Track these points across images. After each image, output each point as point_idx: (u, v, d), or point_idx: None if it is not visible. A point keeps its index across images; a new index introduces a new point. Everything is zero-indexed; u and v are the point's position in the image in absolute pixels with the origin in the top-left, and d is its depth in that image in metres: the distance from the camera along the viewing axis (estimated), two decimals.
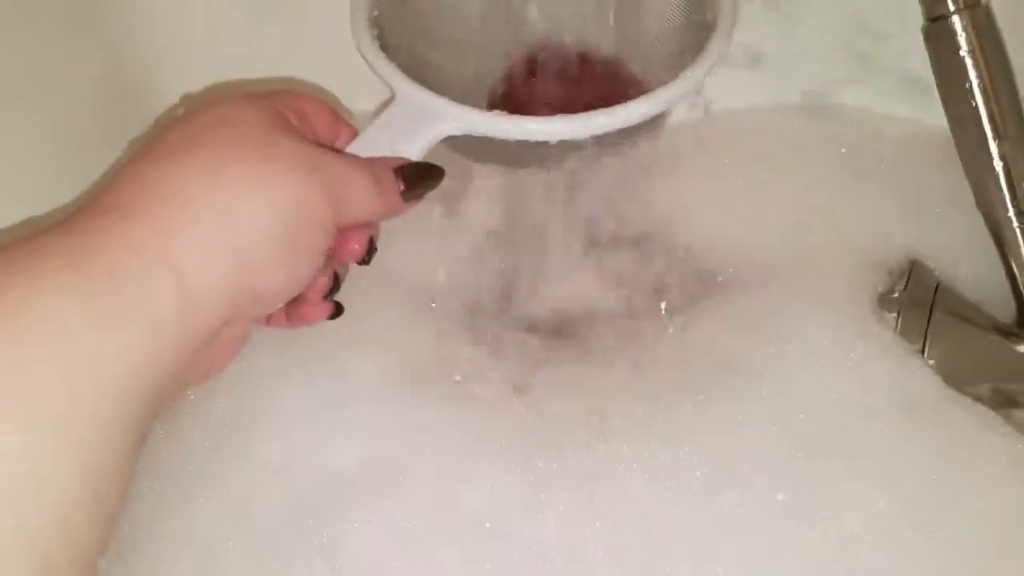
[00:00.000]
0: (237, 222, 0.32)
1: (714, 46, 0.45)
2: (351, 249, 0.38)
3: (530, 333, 0.56)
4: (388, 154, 0.40)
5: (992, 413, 0.50)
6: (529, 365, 0.54)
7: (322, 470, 0.49)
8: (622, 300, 0.58)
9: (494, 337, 0.55)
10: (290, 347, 0.52)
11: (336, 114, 0.41)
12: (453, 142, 0.43)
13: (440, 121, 0.41)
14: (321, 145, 0.37)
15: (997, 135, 0.48)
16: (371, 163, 0.38)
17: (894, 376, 0.51)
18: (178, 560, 0.46)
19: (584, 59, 0.53)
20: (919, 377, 0.51)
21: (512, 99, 0.53)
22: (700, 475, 0.48)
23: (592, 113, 0.42)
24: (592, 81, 0.53)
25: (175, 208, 0.31)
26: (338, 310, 0.40)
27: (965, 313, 0.54)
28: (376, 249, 0.39)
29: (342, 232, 0.36)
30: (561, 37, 0.53)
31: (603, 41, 0.53)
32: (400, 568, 0.46)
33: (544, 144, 0.42)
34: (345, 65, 0.50)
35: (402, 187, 0.38)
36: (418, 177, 0.39)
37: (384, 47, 0.44)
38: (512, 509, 0.48)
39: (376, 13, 0.46)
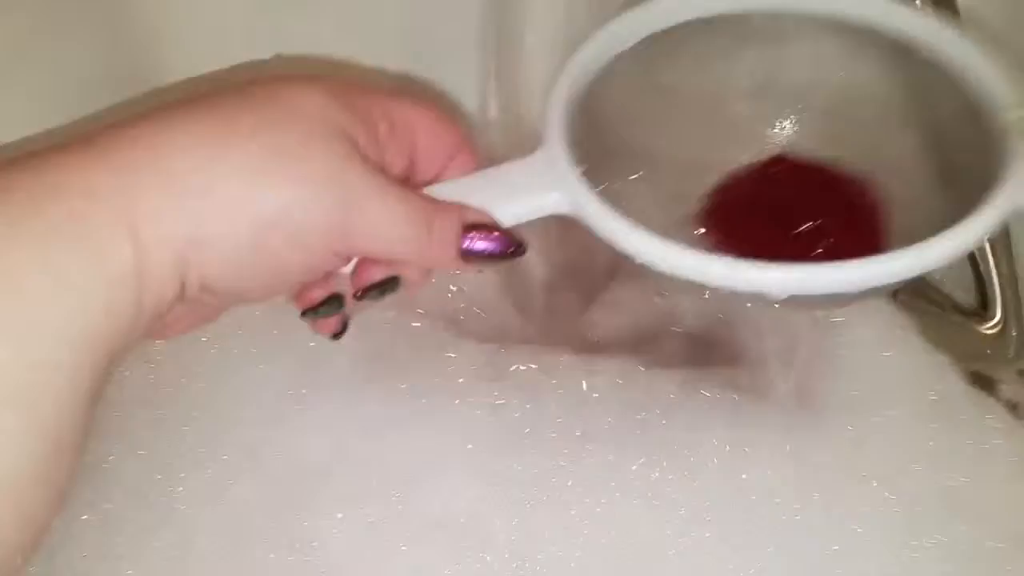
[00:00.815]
0: (206, 205, 0.29)
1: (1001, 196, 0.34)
2: (361, 277, 0.35)
3: (513, 326, 0.56)
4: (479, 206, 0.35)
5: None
6: (510, 358, 0.53)
7: (297, 458, 0.49)
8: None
9: (477, 328, 0.55)
10: (269, 333, 0.52)
11: (461, 137, 0.36)
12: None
13: (552, 194, 0.36)
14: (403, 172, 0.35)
15: None
16: (425, 202, 0.33)
17: None
18: (158, 541, 0.46)
19: (824, 180, 0.44)
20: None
21: (724, 222, 0.44)
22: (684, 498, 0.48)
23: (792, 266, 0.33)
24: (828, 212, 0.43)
25: (151, 165, 0.28)
26: (338, 332, 0.37)
27: (928, 294, 0.55)
28: (387, 285, 0.35)
29: (367, 261, 0.34)
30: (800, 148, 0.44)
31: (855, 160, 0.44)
32: (371, 559, 0.47)
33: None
34: (358, 47, 0.50)
35: (467, 246, 0.34)
36: (488, 240, 0.34)
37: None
38: (486, 505, 0.48)
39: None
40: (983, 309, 0.54)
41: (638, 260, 0.34)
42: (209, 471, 0.48)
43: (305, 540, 0.47)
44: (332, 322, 0.37)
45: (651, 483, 0.48)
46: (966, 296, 0.55)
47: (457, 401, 0.51)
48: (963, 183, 0.39)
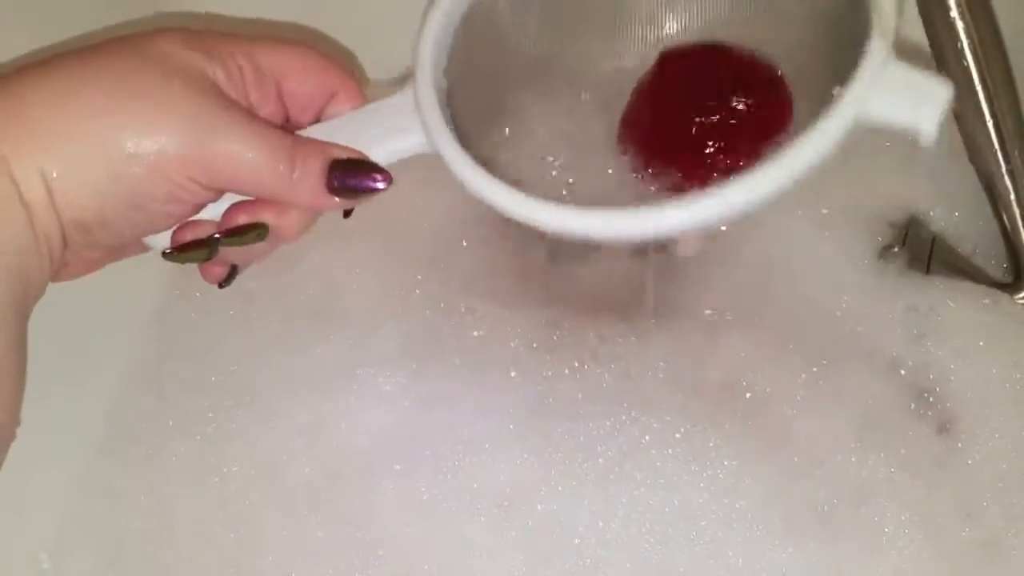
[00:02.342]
0: (62, 141, 0.30)
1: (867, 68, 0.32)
2: (225, 220, 0.35)
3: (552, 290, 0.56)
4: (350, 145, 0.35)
5: None
6: (562, 330, 0.54)
7: (346, 436, 0.51)
8: None
9: (514, 296, 0.55)
10: (314, 314, 0.54)
11: (339, 77, 0.36)
12: None
13: (414, 135, 0.36)
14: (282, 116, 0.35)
15: (988, 93, 0.49)
16: (286, 138, 0.34)
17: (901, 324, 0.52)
18: (216, 522, 0.50)
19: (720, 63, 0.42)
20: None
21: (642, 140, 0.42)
22: (727, 464, 0.49)
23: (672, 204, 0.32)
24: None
25: (11, 109, 0.30)
26: (222, 281, 0.38)
27: (961, 266, 0.55)
28: (251, 231, 0.35)
29: (234, 206, 0.35)
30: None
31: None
32: (422, 531, 0.49)
33: None
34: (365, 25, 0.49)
35: (333, 180, 0.34)
36: (355, 175, 0.35)
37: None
38: (532, 476, 0.50)
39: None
40: (1016, 280, 0.54)
41: (491, 206, 0.34)
42: (261, 453, 0.51)
43: (357, 515, 0.50)
44: (217, 271, 0.37)
45: (693, 451, 0.49)
46: (996, 268, 0.55)
47: (513, 374, 0.52)
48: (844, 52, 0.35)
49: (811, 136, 0.32)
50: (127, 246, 0.36)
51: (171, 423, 0.51)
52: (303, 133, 0.36)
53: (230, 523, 0.49)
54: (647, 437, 0.50)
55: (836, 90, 0.33)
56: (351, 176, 0.35)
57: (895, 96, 0.33)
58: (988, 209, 0.53)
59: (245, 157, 0.32)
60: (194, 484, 0.50)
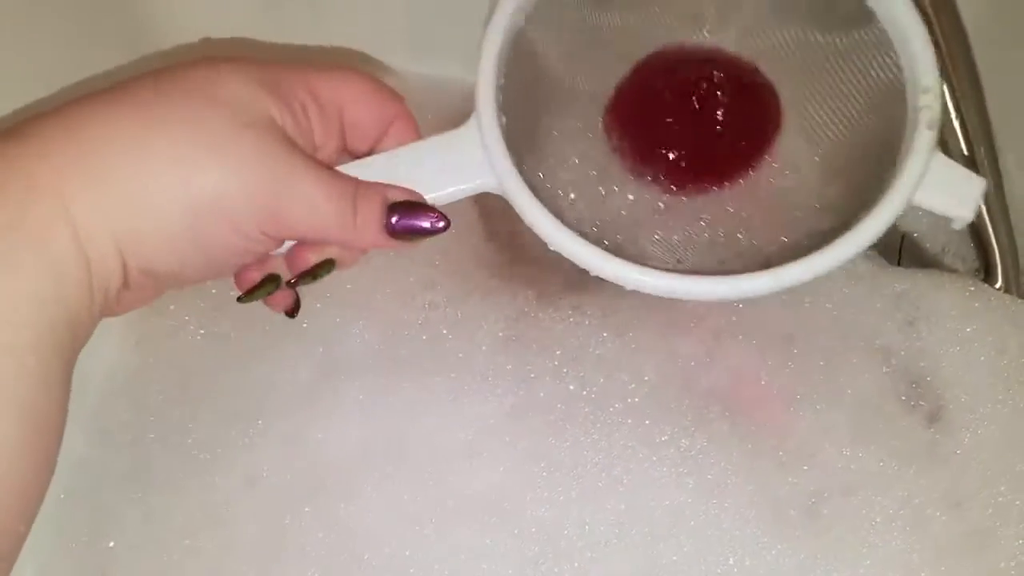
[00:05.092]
0: (139, 197, 0.30)
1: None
2: (296, 263, 0.36)
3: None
4: (403, 183, 0.36)
5: None
6: (544, 332, 0.53)
7: (329, 444, 0.51)
8: None
9: (484, 291, 0.55)
10: (296, 325, 0.53)
11: (397, 107, 0.37)
12: None
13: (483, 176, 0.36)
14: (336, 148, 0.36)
15: (952, 90, 0.50)
16: (349, 184, 0.34)
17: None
18: (200, 532, 0.49)
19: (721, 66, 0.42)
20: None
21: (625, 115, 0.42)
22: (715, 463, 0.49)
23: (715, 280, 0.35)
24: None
25: (84, 160, 0.30)
26: (290, 310, 0.38)
27: (931, 265, 0.56)
28: (322, 268, 0.36)
29: (299, 246, 0.35)
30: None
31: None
32: (405, 539, 0.49)
33: None
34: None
35: (392, 223, 0.35)
36: (411, 217, 0.35)
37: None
38: (515, 480, 0.49)
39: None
40: (986, 276, 0.55)
41: (552, 248, 0.36)
42: (244, 462, 0.50)
43: (341, 523, 0.49)
44: (282, 300, 0.38)
45: (680, 452, 0.49)
46: (965, 263, 0.56)
47: (489, 379, 0.52)
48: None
49: (867, 224, 0.34)
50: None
51: (152, 435, 0.50)
52: (366, 162, 0.37)
53: (214, 534, 0.48)
54: (634, 440, 0.50)
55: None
56: (408, 218, 0.35)
57: (938, 191, 0.35)
58: None
59: (314, 209, 0.33)
60: (177, 495, 0.49)
